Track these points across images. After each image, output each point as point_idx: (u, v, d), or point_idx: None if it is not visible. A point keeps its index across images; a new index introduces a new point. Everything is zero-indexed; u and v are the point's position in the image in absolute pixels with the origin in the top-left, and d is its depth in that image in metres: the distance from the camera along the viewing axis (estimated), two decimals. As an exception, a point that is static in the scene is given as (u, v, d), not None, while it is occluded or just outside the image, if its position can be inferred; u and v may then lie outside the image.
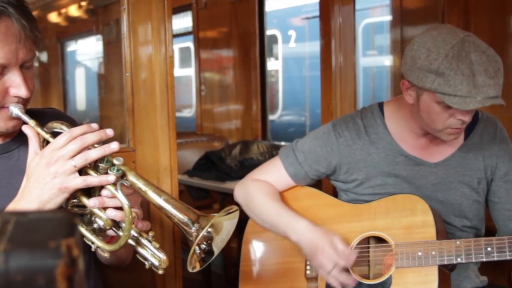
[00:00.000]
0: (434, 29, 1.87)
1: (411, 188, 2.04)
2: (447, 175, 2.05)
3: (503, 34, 3.14)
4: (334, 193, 2.30)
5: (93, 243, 1.43)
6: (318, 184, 2.24)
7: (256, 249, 2.23)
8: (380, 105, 2.15)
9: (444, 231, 1.99)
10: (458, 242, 1.89)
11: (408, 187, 2.04)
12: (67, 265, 0.50)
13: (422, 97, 1.88)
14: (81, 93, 7.94)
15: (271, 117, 6.44)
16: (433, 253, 1.90)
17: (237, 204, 3.66)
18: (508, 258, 1.84)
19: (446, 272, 1.93)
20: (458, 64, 1.75)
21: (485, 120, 2.10)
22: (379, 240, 2.03)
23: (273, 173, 2.19)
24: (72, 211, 1.41)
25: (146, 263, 1.46)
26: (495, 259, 1.85)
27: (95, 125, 1.39)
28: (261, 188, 2.16)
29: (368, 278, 2.02)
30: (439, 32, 1.84)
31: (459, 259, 1.88)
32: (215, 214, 1.39)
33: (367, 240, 2.05)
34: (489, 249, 1.86)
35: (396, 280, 1.92)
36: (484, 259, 1.86)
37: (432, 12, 3.93)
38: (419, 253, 1.91)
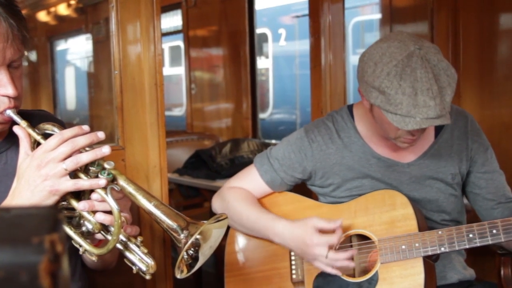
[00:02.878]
0: (385, 40, 1.85)
1: (387, 188, 2.05)
2: (421, 173, 2.07)
3: (491, 32, 3.15)
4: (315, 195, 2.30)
5: (81, 246, 1.42)
6: (301, 186, 2.23)
7: (240, 258, 2.22)
8: (350, 108, 2.16)
9: (425, 222, 2.00)
10: (440, 232, 1.91)
11: (384, 187, 2.05)
12: (51, 260, 0.50)
13: (374, 107, 1.90)
14: (71, 92, 7.91)
15: (261, 115, 6.44)
16: (417, 245, 1.91)
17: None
18: (490, 242, 1.86)
19: (430, 263, 1.94)
20: (400, 82, 1.74)
21: (455, 114, 2.08)
22: (362, 237, 2.04)
23: (250, 181, 2.19)
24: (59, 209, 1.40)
25: (134, 267, 1.46)
26: (478, 244, 1.87)
27: (86, 127, 1.38)
28: (238, 195, 2.16)
29: (354, 276, 2.03)
30: (388, 45, 1.82)
31: (442, 249, 1.89)
32: (205, 222, 1.38)
33: (349, 239, 2.05)
34: (470, 235, 1.87)
35: (383, 275, 1.93)
36: (467, 246, 1.88)
37: (421, 10, 3.94)
38: (403, 247, 1.92)
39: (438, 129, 2.09)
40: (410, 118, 1.75)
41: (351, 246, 2.05)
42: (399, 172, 2.07)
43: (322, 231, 1.93)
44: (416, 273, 1.90)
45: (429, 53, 1.79)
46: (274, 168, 2.15)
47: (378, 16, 4.93)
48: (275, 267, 2.12)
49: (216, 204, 2.23)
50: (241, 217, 2.13)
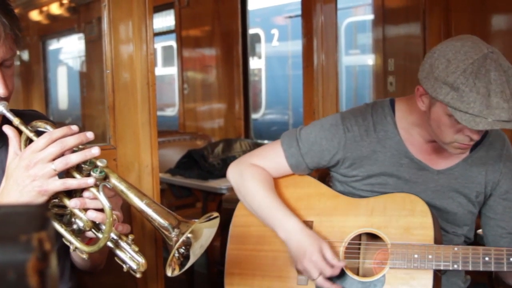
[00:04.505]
0: (458, 39, 1.82)
1: (410, 191, 2.00)
2: (448, 184, 2.02)
3: (483, 33, 3.16)
4: (319, 177, 2.26)
5: (71, 243, 1.41)
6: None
7: (245, 232, 2.16)
8: (392, 102, 2.09)
9: (441, 235, 1.96)
10: (456, 249, 1.86)
11: (408, 190, 2.01)
12: (39, 259, 0.50)
13: (434, 107, 1.83)
14: (63, 92, 7.90)
15: (254, 115, 6.45)
16: (430, 257, 1.86)
17: (218, 208, 3.63)
18: (505, 269, 1.81)
19: (439, 276, 1.91)
20: (475, 81, 1.70)
21: (493, 135, 2.05)
22: (372, 236, 2.01)
23: (273, 160, 2.12)
24: (49, 208, 1.39)
25: (124, 266, 1.45)
26: (492, 269, 1.82)
27: (75, 127, 1.38)
28: (257, 176, 2.09)
29: (357, 273, 2.01)
30: (462, 44, 1.78)
31: (455, 266, 1.85)
32: (196, 220, 1.38)
33: (359, 236, 2.02)
34: (486, 259, 1.82)
35: (389, 280, 1.89)
36: (480, 269, 1.83)
37: (413, 11, 3.95)
38: (415, 256, 1.88)
39: (475, 145, 2.01)
40: (481, 118, 1.69)
41: (360, 243, 2.03)
42: (427, 177, 2.02)
43: (324, 258, 1.91)
44: (423, 285, 1.86)
45: (501, 58, 1.76)
46: (302, 153, 2.08)
47: (370, 17, 4.94)
48: (281, 249, 2.06)
49: (232, 175, 2.16)
50: (253, 201, 2.08)
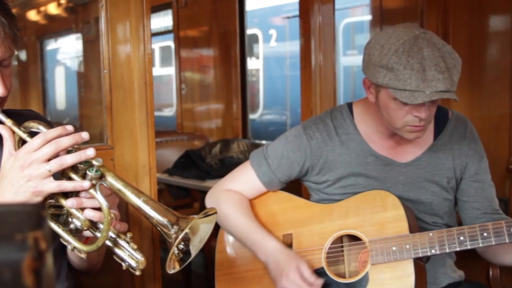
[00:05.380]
0: (391, 27, 1.89)
1: (381, 188, 2.04)
2: (417, 174, 2.06)
3: (481, 33, 3.16)
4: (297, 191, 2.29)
5: (69, 243, 1.41)
6: (291, 181, 2.22)
7: (230, 257, 2.21)
8: (349, 105, 2.15)
9: (416, 224, 2.00)
10: (431, 234, 1.90)
11: (378, 186, 2.04)
12: (34, 258, 0.50)
13: (380, 95, 1.90)
14: (60, 92, 7.88)
15: (252, 116, 6.44)
16: (407, 246, 1.90)
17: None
18: (481, 245, 1.85)
19: (421, 264, 1.94)
20: (408, 59, 1.76)
21: (455, 119, 2.10)
22: (353, 238, 2.03)
23: (246, 182, 2.17)
24: (44, 206, 1.39)
25: (123, 264, 1.45)
26: (468, 247, 1.86)
27: (70, 127, 1.37)
28: (232, 201, 2.14)
29: (344, 277, 2.02)
30: (394, 30, 1.86)
31: (433, 251, 1.89)
32: (194, 216, 1.38)
33: (340, 239, 2.05)
34: (461, 238, 1.87)
35: (373, 276, 1.93)
36: (457, 248, 1.87)
37: (411, 11, 3.95)
38: (394, 248, 1.91)
39: (437, 132, 2.09)
40: (420, 92, 1.76)
41: (342, 246, 2.04)
42: (395, 171, 2.06)
43: (302, 276, 1.93)
44: (406, 274, 1.89)
45: (434, 37, 1.82)
46: (272, 169, 2.13)
47: (368, 17, 4.94)
48: (265, 267, 2.11)
49: (209, 203, 2.21)
50: (230, 225, 2.12)
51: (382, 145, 2.08)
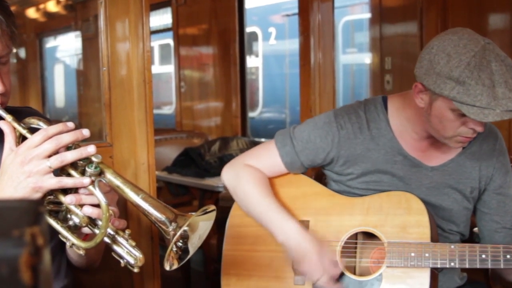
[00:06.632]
0: (453, 33, 1.80)
1: (405, 188, 2.00)
2: (442, 180, 2.02)
3: (480, 32, 3.14)
4: (315, 177, 2.26)
5: (68, 240, 1.41)
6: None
7: (241, 232, 2.15)
8: (384, 99, 2.08)
9: (437, 232, 1.96)
10: (452, 247, 1.86)
11: (402, 187, 2.01)
12: (31, 254, 0.49)
13: (435, 103, 1.82)
14: (60, 89, 7.89)
15: (251, 114, 6.44)
16: (427, 255, 1.86)
17: (215, 202, 3.63)
18: (502, 267, 1.81)
19: (435, 273, 1.91)
20: (479, 73, 1.69)
21: (487, 130, 2.04)
22: (367, 234, 2.00)
23: (267, 160, 2.10)
24: (41, 202, 1.39)
25: (122, 261, 1.45)
26: (489, 266, 1.82)
27: (71, 124, 1.38)
28: (253, 178, 2.07)
29: (354, 272, 2.01)
30: (459, 37, 1.77)
31: (452, 264, 1.85)
32: (193, 213, 1.38)
33: (355, 235, 2.01)
34: (483, 256, 1.82)
35: (387, 278, 1.89)
36: (477, 266, 1.83)
37: (410, 9, 3.95)
38: (412, 254, 1.87)
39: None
40: (490, 110, 1.69)
41: (356, 241, 2.03)
42: (421, 174, 2.02)
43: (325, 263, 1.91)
44: (420, 283, 1.86)
45: (496, 48, 1.76)
46: (296, 151, 2.06)
47: (367, 15, 4.94)
48: (277, 250, 2.04)
49: (227, 176, 2.14)
50: (250, 203, 2.06)
51: (413, 146, 2.03)
